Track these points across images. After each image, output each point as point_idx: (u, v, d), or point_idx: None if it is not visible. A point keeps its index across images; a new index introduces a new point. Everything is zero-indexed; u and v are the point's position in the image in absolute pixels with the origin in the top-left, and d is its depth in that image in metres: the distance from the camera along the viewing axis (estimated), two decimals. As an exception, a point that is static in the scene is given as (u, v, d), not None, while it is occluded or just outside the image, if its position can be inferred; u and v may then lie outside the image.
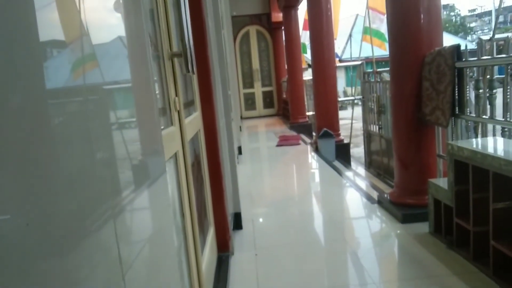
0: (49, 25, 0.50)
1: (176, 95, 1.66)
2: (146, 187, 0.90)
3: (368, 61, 5.87)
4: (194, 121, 2.13)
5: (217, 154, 2.44)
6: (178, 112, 1.67)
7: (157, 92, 1.36)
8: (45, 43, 0.48)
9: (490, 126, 2.73)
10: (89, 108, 0.60)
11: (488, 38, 3.21)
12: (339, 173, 4.87)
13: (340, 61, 13.84)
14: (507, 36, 3.03)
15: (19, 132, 0.41)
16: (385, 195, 3.40)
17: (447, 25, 38.75)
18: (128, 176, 0.79)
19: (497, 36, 3.38)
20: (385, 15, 5.65)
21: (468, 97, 2.78)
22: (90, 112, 0.61)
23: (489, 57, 2.54)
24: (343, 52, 16.89)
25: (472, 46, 24.57)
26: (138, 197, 0.83)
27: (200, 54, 2.30)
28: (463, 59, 2.68)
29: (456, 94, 2.74)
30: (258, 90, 12.64)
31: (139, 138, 0.93)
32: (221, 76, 3.18)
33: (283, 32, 10.37)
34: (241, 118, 11.67)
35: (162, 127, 1.34)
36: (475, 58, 2.61)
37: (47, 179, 0.45)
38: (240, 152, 6.41)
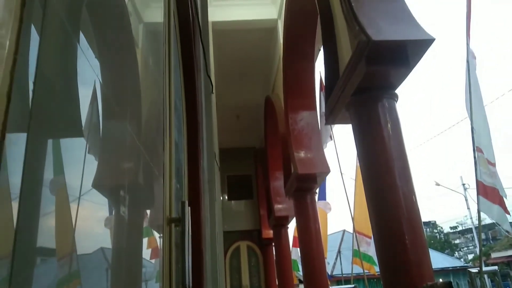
0: (47, 232, 0.52)
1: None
2: None
3: (361, 278, 5.78)
4: None
5: None
6: None
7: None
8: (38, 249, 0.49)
9: None
10: None
11: (477, 271, 3.28)
12: None
13: (331, 280, 13.58)
14: (495, 268, 3.11)
15: None
16: None
17: (432, 241, 39.73)
18: None
19: (485, 268, 3.47)
20: (372, 239, 5.87)
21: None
22: None
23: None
24: (333, 268, 16.70)
25: (460, 263, 24.64)
26: None
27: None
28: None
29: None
30: (247, 308, 11.91)
31: None
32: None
33: (274, 248, 10.48)
34: None
35: None
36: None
37: None
38: None
